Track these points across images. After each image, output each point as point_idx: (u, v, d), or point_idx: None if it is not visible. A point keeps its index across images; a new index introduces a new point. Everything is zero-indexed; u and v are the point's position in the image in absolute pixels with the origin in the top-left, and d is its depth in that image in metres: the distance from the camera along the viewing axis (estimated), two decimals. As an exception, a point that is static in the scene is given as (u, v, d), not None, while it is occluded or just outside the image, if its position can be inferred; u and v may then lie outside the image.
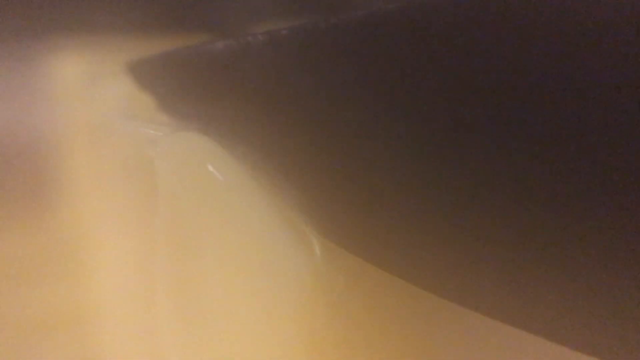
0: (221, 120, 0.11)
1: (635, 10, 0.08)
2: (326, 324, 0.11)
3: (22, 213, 0.40)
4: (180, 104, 0.13)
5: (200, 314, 0.11)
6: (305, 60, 0.10)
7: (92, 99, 0.22)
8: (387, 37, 0.09)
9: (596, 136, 0.08)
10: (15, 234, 0.38)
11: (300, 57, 0.10)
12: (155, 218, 0.11)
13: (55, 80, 0.32)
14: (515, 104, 0.09)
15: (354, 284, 0.11)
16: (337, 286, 0.11)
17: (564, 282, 0.09)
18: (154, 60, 0.13)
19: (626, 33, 0.08)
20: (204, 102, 0.12)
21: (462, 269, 0.10)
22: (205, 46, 0.11)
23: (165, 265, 0.11)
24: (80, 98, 0.27)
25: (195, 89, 0.12)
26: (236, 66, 0.11)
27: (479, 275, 0.09)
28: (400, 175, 0.10)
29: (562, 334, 0.09)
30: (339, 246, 0.11)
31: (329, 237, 0.11)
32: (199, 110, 0.12)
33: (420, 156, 0.09)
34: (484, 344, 0.12)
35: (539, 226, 0.09)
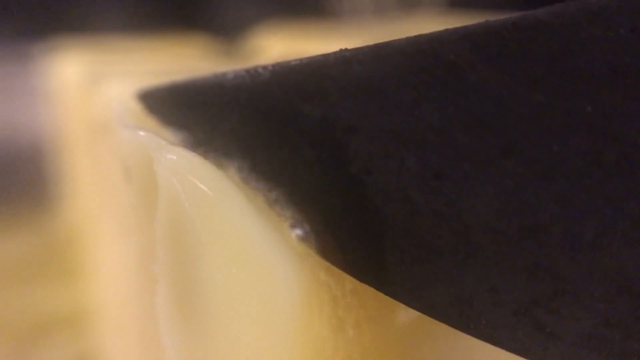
0: (220, 142, 0.12)
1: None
2: (324, 339, 0.11)
3: (22, 213, 0.40)
4: (183, 127, 0.13)
5: (199, 314, 0.11)
6: (313, 92, 0.10)
7: (92, 99, 0.22)
8: (396, 70, 0.09)
9: (610, 173, 0.08)
10: (15, 234, 0.38)
11: (309, 89, 0.10)
12: (155, 218, 0.11)
13: (55, 80, 0.32)
14: (519, 140, 0.09)
15: (352, 298, 0.11)
16: (330, 301, 0.11)
17: (580, 316, 0.09)
18: (165, 89, 0.13)
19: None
20: (209, 128, 0.12)
21: (477, 299, 0.10)
22: (217, 77, 0.12)
23: (165, 266, 0.11)
24: (80, 98, 0.27)
25: (203, 119, 0.12)
26: (245, 96, 0.11)
27: (495, 306, 0.09)
28: (407, 201, 0.10)
29: None
30: (333, 265, 0.10)
31: (324, 256, 0.10)
32: (204, 132, 0.12)
33: (428, 185, 0.09)
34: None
35: (555, 260, 0.09)
